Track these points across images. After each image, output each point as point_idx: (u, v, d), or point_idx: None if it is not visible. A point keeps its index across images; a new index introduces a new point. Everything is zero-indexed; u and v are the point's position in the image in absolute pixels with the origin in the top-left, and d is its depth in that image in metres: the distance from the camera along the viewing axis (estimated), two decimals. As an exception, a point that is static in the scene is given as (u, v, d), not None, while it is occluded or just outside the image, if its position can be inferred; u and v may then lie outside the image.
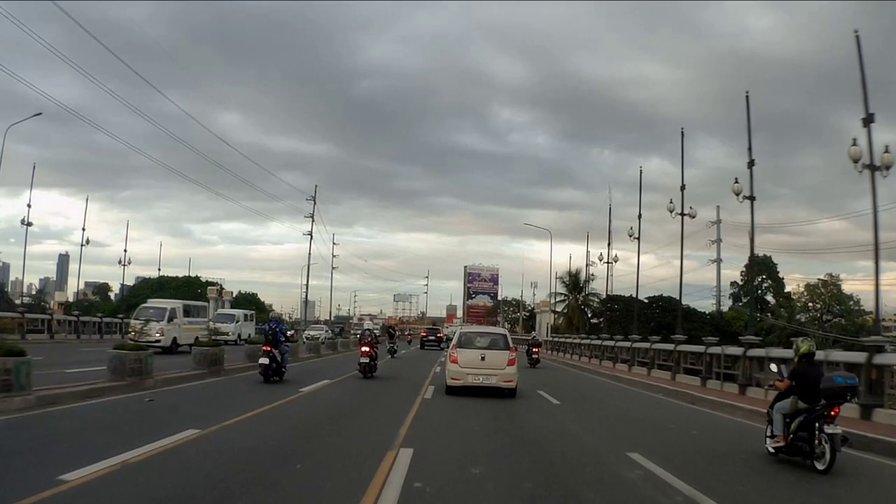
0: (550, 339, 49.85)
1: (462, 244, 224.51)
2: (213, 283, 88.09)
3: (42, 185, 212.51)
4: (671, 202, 23.64)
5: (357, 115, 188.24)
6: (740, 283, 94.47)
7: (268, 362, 16.54)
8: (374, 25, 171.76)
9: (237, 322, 41.83)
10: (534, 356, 30.06)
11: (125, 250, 62.24)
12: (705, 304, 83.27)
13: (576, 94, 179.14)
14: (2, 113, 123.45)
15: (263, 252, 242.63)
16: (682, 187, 23.34)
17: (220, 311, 45.69)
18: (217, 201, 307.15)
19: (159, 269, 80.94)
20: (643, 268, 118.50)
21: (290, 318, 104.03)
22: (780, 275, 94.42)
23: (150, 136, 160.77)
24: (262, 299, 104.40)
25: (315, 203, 67.13)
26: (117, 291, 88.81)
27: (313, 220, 65.67)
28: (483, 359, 15.25)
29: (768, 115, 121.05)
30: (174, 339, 27.17)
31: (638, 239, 29.71)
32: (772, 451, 8.73)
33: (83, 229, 52.70)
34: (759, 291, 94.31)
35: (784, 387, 8.74)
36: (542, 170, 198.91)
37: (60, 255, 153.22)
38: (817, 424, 8.02)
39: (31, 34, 32.49)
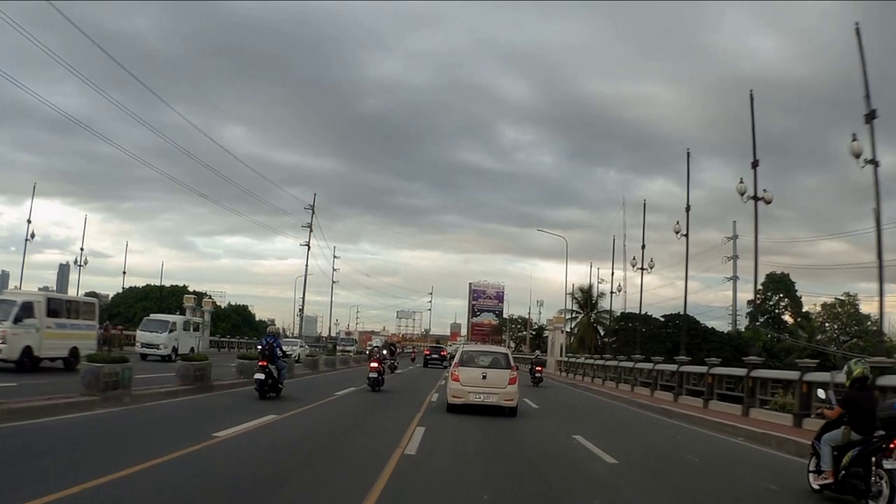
0: (566, 359, 44.02)
1: (466, 262, 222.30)
2: (201, 294, 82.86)
3: (43, 194, 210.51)
4: (741, 182, 18.31)
5: (362, 131, 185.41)
6: (757, 301, 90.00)
7: (264, 378, 15.88)
8: (380, 43, 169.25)
9: (171, 331, 31.94)
10: (537, 375, 30.12)
11: (82, 249, 57.80)
12: (718, 325, 79.03)
13: (581, 114, 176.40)
14: (5, 121, 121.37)
15: (267, 267, 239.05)
16: (755, 164, 17.87)
17: (152, 316, 36.60)
18: (221, 215, 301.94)
19: (124, 273, 75.75)
20: (646, 287, 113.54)
21: (291, 333, 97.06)
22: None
23: (152, 148, 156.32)
24: (255, 313, 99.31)
25: (313, 212, 64.51)
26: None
27: (311, 230, 63.12)
28: (484, 377, 15.10)
29: (771, 136, 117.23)
30: (26, 350, 18.48)
31: (686, 235, 24.34)
32: (816, 487, 7.82)
33: (28, 221, 46.97)
34: (777, 310, 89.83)
35: (834, 415, 7.84)
36: (546, 188, 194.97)
37: (61, 265, 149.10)
38: (874, 459, 6.90)
39: (34, 42, 29.03)
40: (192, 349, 31.30)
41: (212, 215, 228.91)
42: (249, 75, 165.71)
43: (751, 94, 19.12)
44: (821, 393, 8.57)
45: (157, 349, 30.84)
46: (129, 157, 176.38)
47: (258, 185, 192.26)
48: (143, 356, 30.11)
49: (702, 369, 20.23)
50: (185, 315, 34.96)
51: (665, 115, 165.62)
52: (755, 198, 17.90)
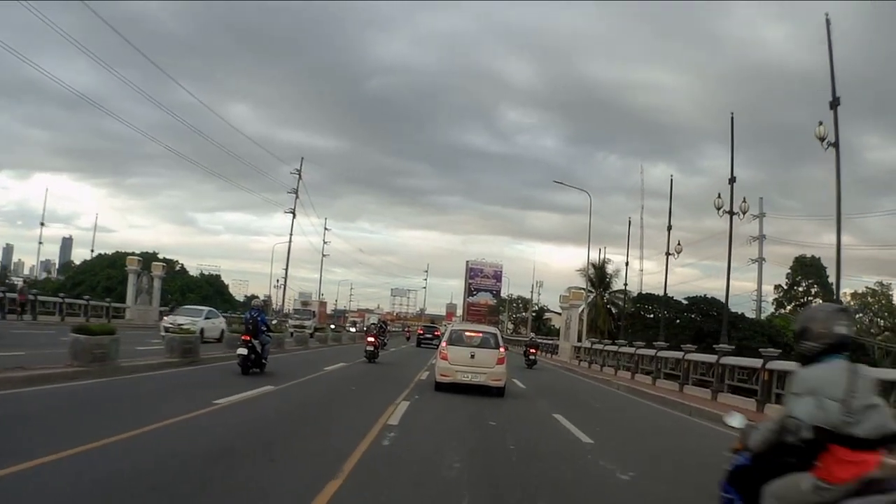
0: (589, 345, 34.84)
1: (465, 243, 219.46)
2: (170, 261, 74.26)
3: (51, 168, 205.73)
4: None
5: (366, 111, 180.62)
6: (785, 287, 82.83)
7: (246, 353, 15.05)
8: (387, 24, 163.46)
9: None
10: (531, 357, 30.00)
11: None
12: (742, 311, 71.25)
13: (585, 98, 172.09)
14: (17, 97, 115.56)
15: (266, 243, 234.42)
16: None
17: None
18: (223, 190, 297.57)
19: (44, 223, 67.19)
20: (648, 271, 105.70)
21: (288, 310, 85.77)
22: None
23: (157, 126, 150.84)
24: (251, 289, 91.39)
25: (300, 177, 60.29)
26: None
27: (297, 196, 59.71)
28: (473, 357, 15.11)
29: (778, 126, 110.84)
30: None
31: (835, 143, 15.19)
32: None
33: None
34: (808, 297, 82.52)
35: None
36: (548, 172, 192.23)
37: (64, 238, 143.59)
38: None
39: (46, 21, 27.02)
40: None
41: (214, 191, 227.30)
42: (255, 54, 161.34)
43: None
44: None
45: None
46: (136, 134, 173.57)
47: (260, 161, 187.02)
48: None
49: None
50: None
51: (669, 103, 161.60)
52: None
